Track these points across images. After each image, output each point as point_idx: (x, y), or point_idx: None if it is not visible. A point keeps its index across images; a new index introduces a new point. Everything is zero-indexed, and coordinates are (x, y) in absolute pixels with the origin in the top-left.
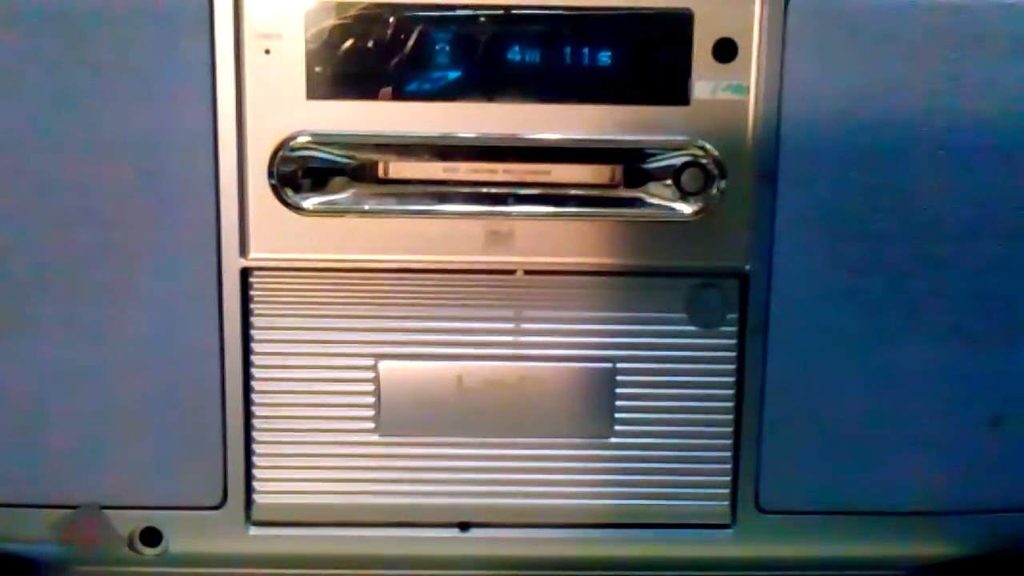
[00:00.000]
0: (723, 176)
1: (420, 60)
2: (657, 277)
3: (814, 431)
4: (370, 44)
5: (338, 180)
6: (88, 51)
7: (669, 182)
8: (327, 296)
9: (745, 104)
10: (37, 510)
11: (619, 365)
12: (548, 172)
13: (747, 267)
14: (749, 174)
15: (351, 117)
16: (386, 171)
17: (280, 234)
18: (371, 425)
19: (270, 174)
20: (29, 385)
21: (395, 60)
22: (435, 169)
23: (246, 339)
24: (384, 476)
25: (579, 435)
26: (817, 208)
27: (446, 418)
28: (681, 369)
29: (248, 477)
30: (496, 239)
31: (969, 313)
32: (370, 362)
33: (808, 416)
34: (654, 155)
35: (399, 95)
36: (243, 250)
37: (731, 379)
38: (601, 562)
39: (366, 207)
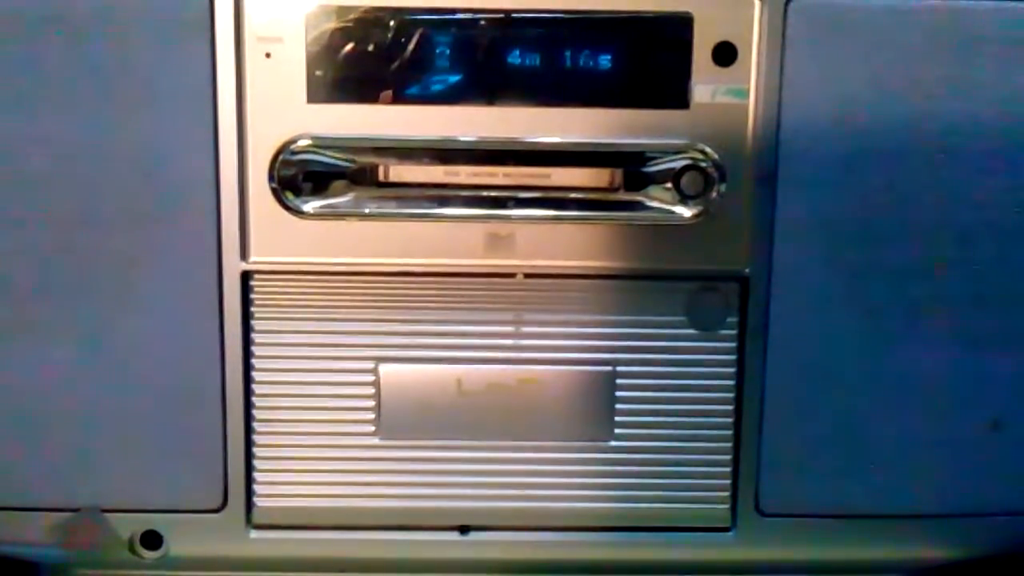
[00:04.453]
0: (723, 179)
1: (420, 64)
2: (657, 280)
3: (814, 434)
4: (371, 48)
5: (338, 183)
6: (89, 55)
7: (669, 185)
8: (327, 299)
9: (745, 107)
10: (37, 513)
11: (619, 368)
12: (548, 176)
13: (747, 270)
14: (749, 177)
15: (352, 120)
16: (386, 175)
17: (281, 237)
18: (371, 428)
19: (271, 177)
20: (30, 388)
21: (396, 64)
22: (435, 173)
23: (247, 342)
24: (384, 479)
25: (579, 438)
26: (817, 211)
27: (446, 421)
28: (681, 372)
29: (248, 480)
30: (496, 242)
31: (969, 316)
32: (370, 365)
33: (808, 419)
34: (654, 158)
35: (400, 99)
36: (244, 253)
37: (731, 382)
38: (601, 565)
39: (366, 210)
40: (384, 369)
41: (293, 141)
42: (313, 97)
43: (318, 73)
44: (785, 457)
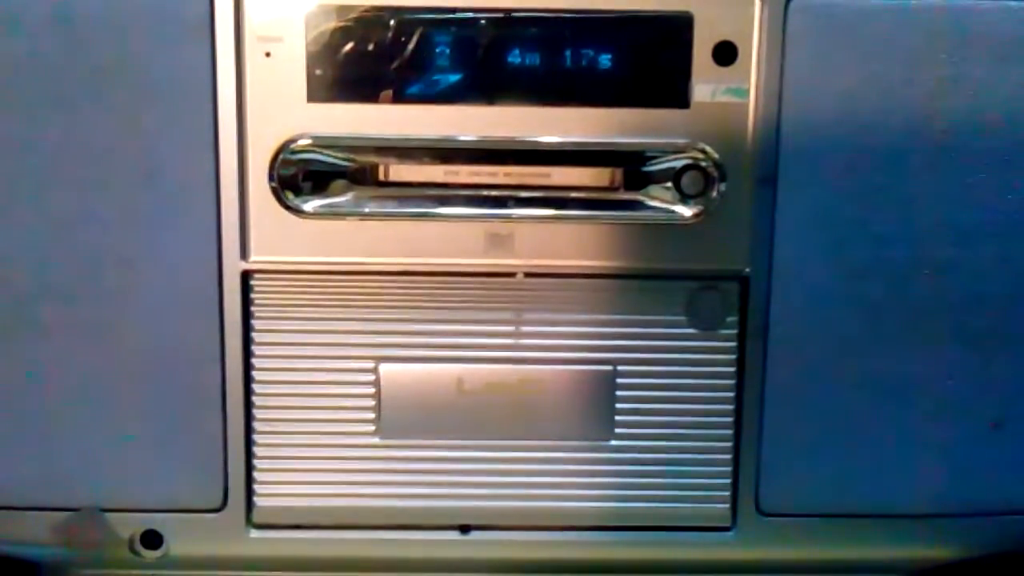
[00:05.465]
0: (723, 179)
1: (421, 63)
2: (657, 280)
3: (814, 433)
4: (371, 47)
5: (338, 183)
6: (89, 54)
7: (669, 185)
8: (327, 299)
9: (745, 107)
10: (38, 512)
11: (619, 367)
12: (548, 175)
13: (747, 269)
14: (749, 177)
15: (352, 120)
16: (386, 174)
17: (281, 237)
18: (372, 428)
19: (271, 177)
20: (30, 388)
21: (396, 63)
22: (435, 172)
23: (246, 342)
24: (385, 479)
25: (579, 437)
26: (817, 210)
27: (446, 421)
28: (681, 372)
29: (249, 480)
30: (496, 242)
31: (969, 316)
32: (370, 365)
33: (808, 418)
34: (654, 158)
35: (400, 98)
36: (244, 253)
37: (731, 382)
38: (601, 565)
39: (366, 210)
40: (384, 369)
41: (293, 140)
42: (313, 96)
43: (318, 72)
44: (785, 457)
